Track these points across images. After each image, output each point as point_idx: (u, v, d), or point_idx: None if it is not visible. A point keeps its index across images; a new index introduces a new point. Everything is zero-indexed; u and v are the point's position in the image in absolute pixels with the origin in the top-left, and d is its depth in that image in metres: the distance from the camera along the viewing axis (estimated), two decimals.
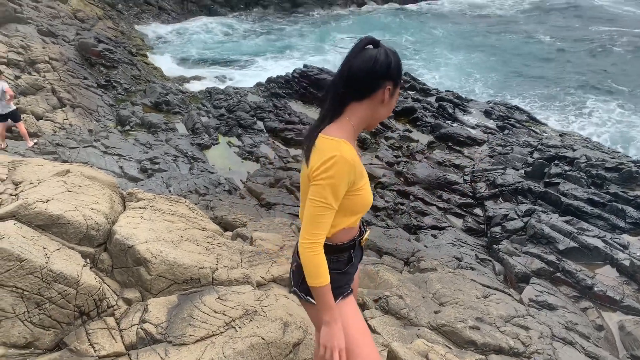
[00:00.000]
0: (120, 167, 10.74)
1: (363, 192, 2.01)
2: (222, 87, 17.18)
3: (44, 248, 3.10)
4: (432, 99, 14.82)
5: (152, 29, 24.97)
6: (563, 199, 9.00)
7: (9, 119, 10.57)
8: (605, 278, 7.26)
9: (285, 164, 11.86)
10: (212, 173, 11.26)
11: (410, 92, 15.13)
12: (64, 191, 3.73)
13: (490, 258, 8.18)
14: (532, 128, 13.42)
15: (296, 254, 2.19)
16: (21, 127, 10.80)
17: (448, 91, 15.83)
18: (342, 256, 2.15)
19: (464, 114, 13.98)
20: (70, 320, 3.04)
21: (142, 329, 3.08)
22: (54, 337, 2.96)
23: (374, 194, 9.74)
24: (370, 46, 1.93)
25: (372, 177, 10.40)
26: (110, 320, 3.19)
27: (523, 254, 7.99)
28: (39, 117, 12.61)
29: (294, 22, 28.47)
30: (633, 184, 9.37)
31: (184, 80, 19.40)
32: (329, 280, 1.97)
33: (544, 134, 13.02)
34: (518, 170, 10.55)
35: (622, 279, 7.23)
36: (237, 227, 7.65)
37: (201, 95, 16.43)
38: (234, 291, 3.60)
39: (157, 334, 3.05)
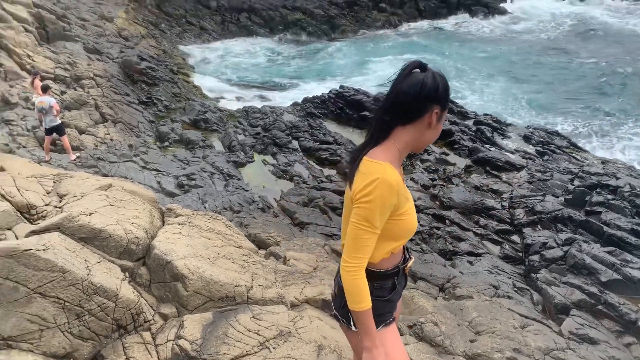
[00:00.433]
0: (158, 182, 10.94)
1: (407, 217, 1.98)
2: (259, 106, 17.43)
3: (85, 260, 3.15)
4: (470, 122, 14.65)
5: (193, 49, 25.59)
6: (605, 228, 8.70)
7: (55, 133, 10.95)
8: None
9: (318, 183, 11.86)
10: (247, 190, 11.35)
11: (447, 115, 15.00)
12: (106, 205, 3.81)
13: (528, 287, 7.93)
14: (573, 154, 13.09)
15: (338, 276, 2.16)
16: (65, 140, 11.16)
17: (486, 115, 15.63)
18: (386, 283, 2.11)
19: (502, 139, 13.76)
20: (108, 333, 3.07)
21: (177, 345, 3.09)
22: (92, 349, 2.99)
23: None
24: (417, 70, 1.92)
25: None
26: (147, 335, 3.20)
27: (563, 284, 7.72)
28: (81, 132, 13.02)
29: (333, 45, 28.71)
30: None
31: (222, 98, 19.76)
32: (371, 304, 1.93)
33: (586, 160, 12.68)
34: (558, 197, 10.28)
35: None
36: (270, 245, 7.65)
37: (238, 113, 16.68)
38: (268, 311, 3.58)
39: (192, 350, 3.05)
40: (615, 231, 8.58)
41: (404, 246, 2.18)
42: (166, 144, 13.74)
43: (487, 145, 13.11)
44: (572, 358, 5.65)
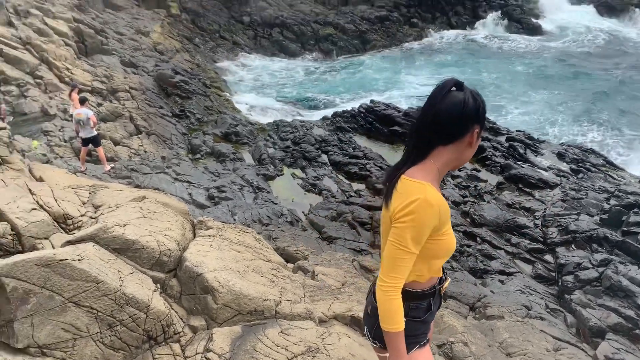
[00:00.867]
0: (189, 194, 11.09)
1: (447, 236, 1.95)
2: (289, 119, 17.55)
3: (118, 271, 3.20)
4: (502, 139, 14.44)
5: (227, 63, 25.99)
6: None
7: (91, 144, 11.24)
8: None
9: (347, 198, 11.83)
10: (276, 204, 11.40)
11: None
12: (140, 216, 3.87)
13: (561, 308, 7.72)
14: (609, 173, 12.75)
15: (372, 295, 2.13)
16: (100, 152, 11.44)
17: (519, 131, 15.38)
18: (422, 303, 2.08)
19: (535, 155, 13.50)
20: (138, 344, 3.10)
21: (206, 358, 3.10)
22: (123, 359, 3.02)
23: None
24: (454, 88, 1.90)
25: None
26: (176, 347, 3.22)
27: (598, 306, 7.48)
28: (116, 143, 13.34)
29: (364, 60, 28.75)
30: None
31: (254, 112, 19.98)
32: (403, 326, 1.90)
33: (622, 179, 12.32)
34: (593, 216, 10.00)
35: None
36: (298, 259, 7.64)
37: (269, 127, 16.83)
38: (296, 326, 3.56)
39: None
40: None
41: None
42: (198, 156, 13.96)
43: (519, 162, 12.88)
44: None
